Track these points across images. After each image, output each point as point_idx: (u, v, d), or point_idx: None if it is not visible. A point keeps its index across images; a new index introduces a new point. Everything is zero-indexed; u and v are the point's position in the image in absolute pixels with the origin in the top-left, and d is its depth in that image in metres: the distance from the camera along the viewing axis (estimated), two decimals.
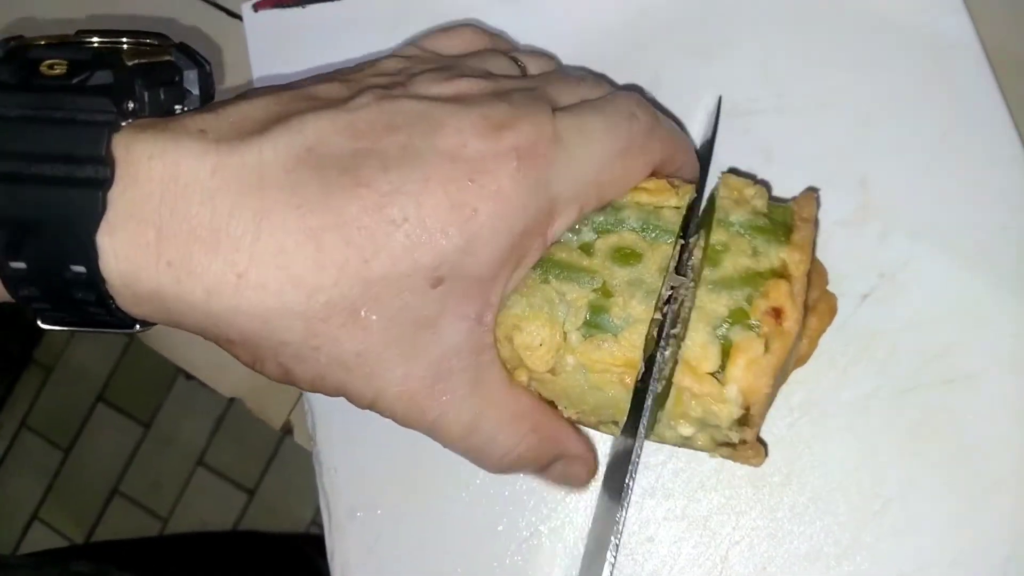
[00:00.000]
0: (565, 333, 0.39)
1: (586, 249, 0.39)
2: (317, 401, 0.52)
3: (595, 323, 0.39)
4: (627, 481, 0.40)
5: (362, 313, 0.34)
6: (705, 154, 0.47)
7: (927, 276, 0.49)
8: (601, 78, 0.49)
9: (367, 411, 0.38)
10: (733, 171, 0.49)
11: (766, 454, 0.45)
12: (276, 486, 1.72)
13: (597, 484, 0.48)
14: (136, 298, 0.33)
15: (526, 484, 0.49)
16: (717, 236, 0.39)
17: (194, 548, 1.15)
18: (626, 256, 0.39)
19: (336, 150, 0.34)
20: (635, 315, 0.38)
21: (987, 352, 0.48)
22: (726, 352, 0.38)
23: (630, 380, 0.38)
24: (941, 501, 0.47)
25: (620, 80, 0.53)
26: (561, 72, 0.44)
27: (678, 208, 0.40)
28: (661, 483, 0.49)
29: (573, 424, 0.42)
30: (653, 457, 0.49)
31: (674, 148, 0.41)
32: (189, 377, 0.58)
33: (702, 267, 0.40)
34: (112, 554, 0.99)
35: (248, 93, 0.36)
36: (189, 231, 0.31)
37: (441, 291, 0.35)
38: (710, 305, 0.38)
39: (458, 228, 0.34)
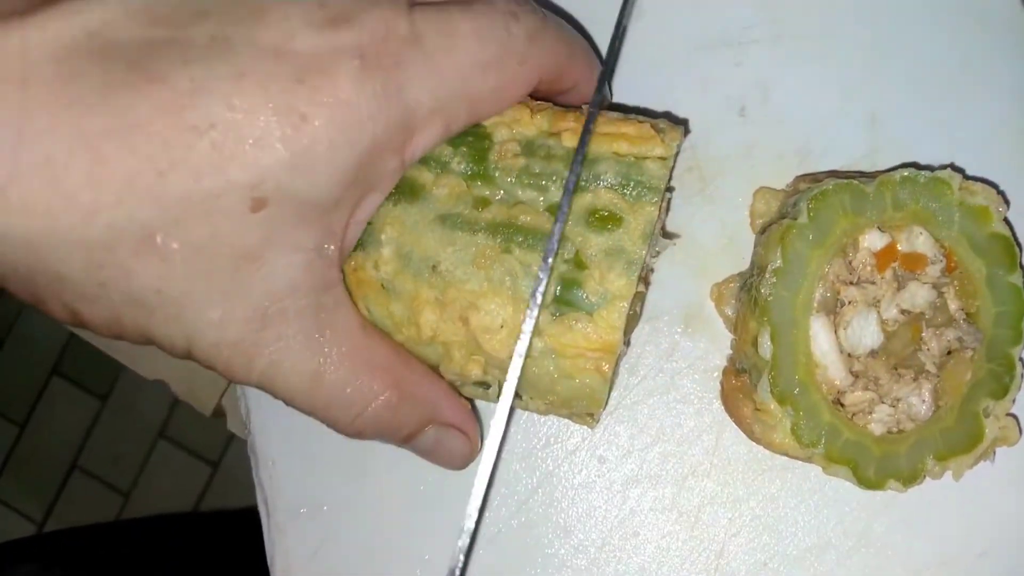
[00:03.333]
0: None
1: (554, 211, 0.33)
2: None
3: (566, 300, 0.33)
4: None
5: (158, 239, 0.28)
6: (608, 63, 0.39)
7: None
8: None
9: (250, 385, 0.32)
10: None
11: None
12: (241, 458, 1.68)
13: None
14: None
15: (495, 475, 0.43)
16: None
17: (151, 534, 1.10)
18: (603, 220, 0.33)
19: (126, 37, 0.27)
20: (613, 290, 0.33)
21: None
22: None
23: (608, 367, 0.32)
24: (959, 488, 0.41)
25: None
26: None
27: (664, 159, 0.34)
28: (646, 470, 0.42)
29: (451, 386, 0.36)
30: (637, 440, 0.42)
31: (566, 57, 0.35)
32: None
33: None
34: (62, 548, 0.94)
35: None
36: None
37: (264, 216, 0.29)
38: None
39: (282, 139, 0.28)
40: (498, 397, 0.37)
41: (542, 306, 0.33)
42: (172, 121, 0.27)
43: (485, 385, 0.35)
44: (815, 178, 0.41)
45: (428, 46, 0.30)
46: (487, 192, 0.34)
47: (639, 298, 0.35)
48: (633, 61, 0.44)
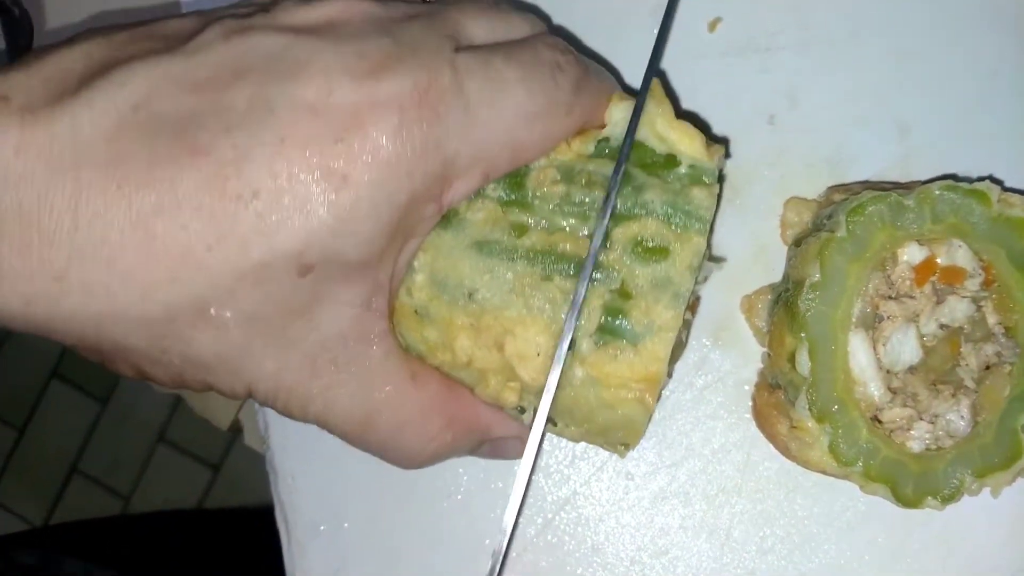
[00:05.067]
0: (574, 341, 0.32)
1: (604, 240, 0.32)
2: None
3: (610, 329, 0.32)
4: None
5: (212, 311, 0.29)
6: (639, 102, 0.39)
7: None
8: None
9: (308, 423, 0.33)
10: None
11: None
12: (242, 460, 1.67)
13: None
14: None
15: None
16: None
17: (151, 528, 1.09)
18: (649, 251, 0.32)
19: (169, 108, 0.27)
20: (660, 322, 0.32)
21: None
22: None
23: (651, 399, 0.32)
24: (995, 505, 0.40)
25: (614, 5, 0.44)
26: None
27: (709, 186, 0.33)
28: (675, 487, 0.42)
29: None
30: (665, 457, 0.42)
31: (605, 104, 0.35)
32: None
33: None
34: (62, 540, 0.93)
35: (76, 36, 0.30)
36: None
37: (312, 279, 0.29)
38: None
39: (324, 203, 0.28)
40: (531, 422, 0.36)
41: (584, 334, 0.32)
42: (218, 193, 0.27)
43: (520, 410, 0.35)
44: (848, 189, 0.40)
45: (472, 96, 0.30)
46: (524, 218, 0.33)
47: (685, 326, 0.35)
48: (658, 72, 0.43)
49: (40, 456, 1.75)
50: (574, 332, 0.32)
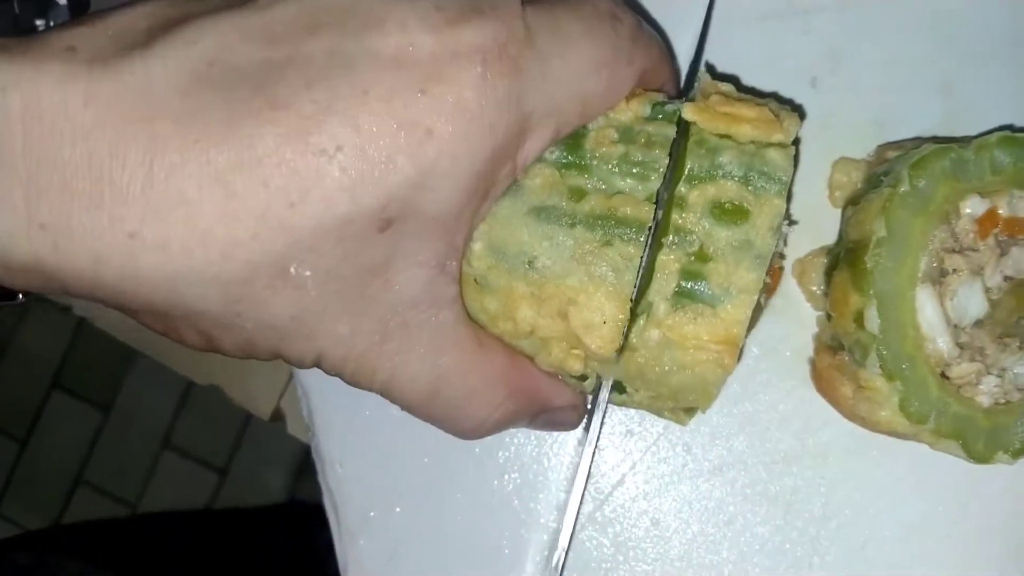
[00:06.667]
0: (650, 304, 0.32)
1: (679, 203, 0.32)
2: (313, 381, 0.43)
3: (688, 292, 0.31)
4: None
5: (292, 270, 0.28)
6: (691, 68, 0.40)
7: None
8: None
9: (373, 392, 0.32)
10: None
11: None
12: (249, 462, 1.66)
13: None
14: (9, 271, 0.27)
15: (576, 461, 0.41)
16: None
17: (150, 530, 1.08)
18: (729, 213, 0.32)
19: (245, 62, 0.27)
20: (741, 284, 0.31)
21: None
22: None
23: (731, 360, 0.31)
24: None
25: None
26: None
27: (784, 147, 0.32)
28: (734, 457, 0.41)
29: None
30: (723, 428, 0.41)
31: (659, 57, 0.35)
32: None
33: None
34: (60, 542, 0.92)
35: None
36: (63, 183, 0.25)
37: (391, 234, 0.28)
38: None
39: (409, 156, 0.27)
40: (594, 389, 0.35)
41: (660, 297, 0.32)
42: (300, 148, 0.26)
43: (583, 377, 0.34)
44: (901, 146, 0.39)
45: (543, 49, 0.29)
46: (582, 181, 0.32)
47: (765, 289, 0.34)
48: (696, 35, 0.43)
49: (44, 468, 1.74)
50: (651, 295, 0.31)
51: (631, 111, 0.33)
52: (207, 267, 0.27)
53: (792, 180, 0.33)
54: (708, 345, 0.31)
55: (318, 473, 0.43)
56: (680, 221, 0.32)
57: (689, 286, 0.31)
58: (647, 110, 0.33)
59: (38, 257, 0.26)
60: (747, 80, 0.43)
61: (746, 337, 0.34)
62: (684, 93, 0.41)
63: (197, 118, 0.26)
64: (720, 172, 0.32)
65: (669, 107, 0.33)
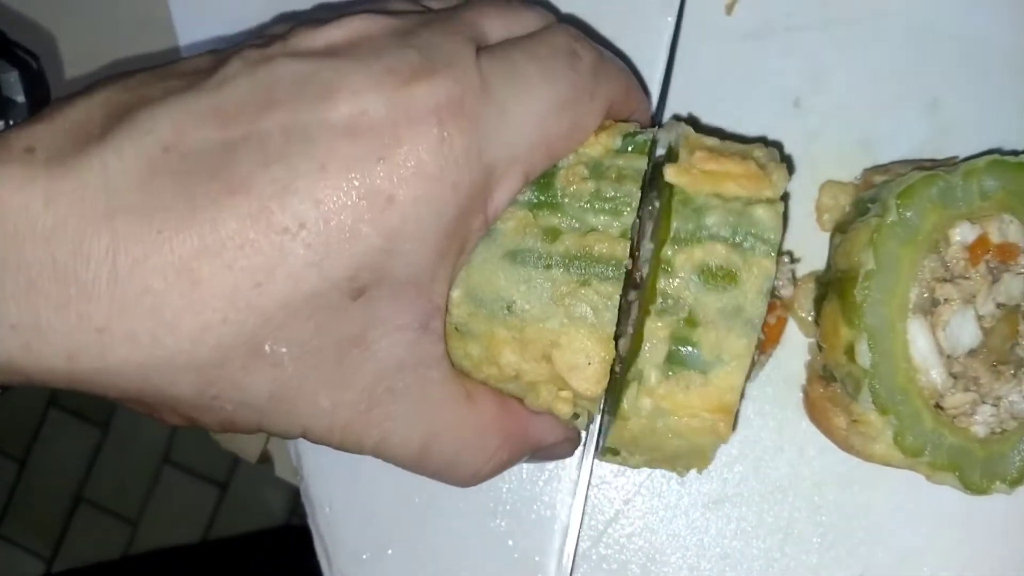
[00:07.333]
0: (640, 371, 0.31)
1: (666, 267, 0.31)
2: None
3: (680, 359, 0.31)
4: None
5: (267, 348, 0.28)
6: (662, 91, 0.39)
7: None
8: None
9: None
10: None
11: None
12: (249, 477, 1.66)
13: None
14: None
15: (569, 500, 0.41)
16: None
17: (147, 567, 1.08)
18: (716, 278, 0.31)
19: (201, 145, 0.27)
20: (732, 351, 0.31)
21: None
22: None
23: (726, 428, 0.31)
24: None
25: None
26: None
27: (773, 204, 0.32)
28: (729, 489, 0.41)
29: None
30: (716, 459, 0.40)
31: (625, 88, 0.34)
32: None
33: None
34: None
35: (94, 84, 0.29)
36: (28, 283, 0.26)
37: (365, 302, 0.28)
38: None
39: (373, 225, 0.27)
40: (587, 426, 0.35)
41: (651, 365, 0.31)
42: (262, 228, 0.26)
43: (575, 416, 0.34)
44: (887, 170, 0.39)
45: (500, 97, 0.29)
46: (555, 220, 0.32)
47: (759, 346, 0.34)
48: (677, 59, 0.42)
49: (44, 487, 1.73)
50: (640, 363, 0.31)
51: (601, 145, 0.32)
52: (177, 355, 0.27)
53: (783, 236, 0.32)
54: (702, 413, 0.31)
55: (307, 516, 0.43)
56: (667, 286, 0.31)
57: (680, 352, 0.31)
58: (617, 142, 0.33)
59: (11, 357, 0.26)
60: (729, 102, 0.42)
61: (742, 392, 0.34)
62: (657, 119, 0.41)
63: (157, 208, 0.26)
64: (707, 234, 0.31)
65: (640, 137, 0.33)
